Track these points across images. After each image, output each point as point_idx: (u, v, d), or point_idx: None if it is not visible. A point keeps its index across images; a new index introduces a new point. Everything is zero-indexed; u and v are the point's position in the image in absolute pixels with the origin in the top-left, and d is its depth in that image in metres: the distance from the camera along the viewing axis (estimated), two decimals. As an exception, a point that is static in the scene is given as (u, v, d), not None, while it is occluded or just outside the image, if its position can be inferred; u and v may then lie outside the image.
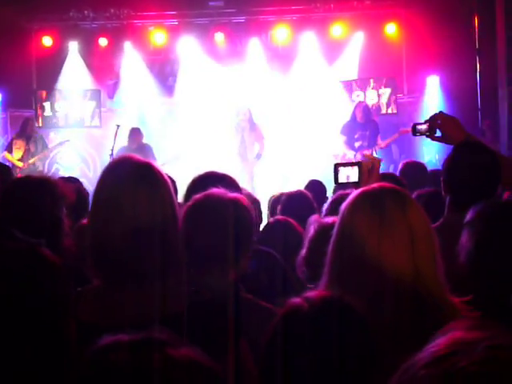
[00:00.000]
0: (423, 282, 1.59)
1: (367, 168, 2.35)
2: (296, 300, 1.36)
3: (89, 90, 10.42)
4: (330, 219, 2.27)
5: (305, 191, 4.34)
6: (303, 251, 2.30)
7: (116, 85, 10.82)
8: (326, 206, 2.93)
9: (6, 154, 9.21)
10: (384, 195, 1.67)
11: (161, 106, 10.62)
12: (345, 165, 2.41)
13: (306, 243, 2.31)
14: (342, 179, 2.38)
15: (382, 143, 8.80)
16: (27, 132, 9.28)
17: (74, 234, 2.55)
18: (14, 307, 1.23)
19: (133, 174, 1.68)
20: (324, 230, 2.18)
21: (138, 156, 1.74)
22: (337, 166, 2.41)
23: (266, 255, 2.62)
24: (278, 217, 3.55)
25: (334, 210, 2.33)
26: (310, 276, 2.16)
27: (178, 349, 0.93)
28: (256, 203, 3.91)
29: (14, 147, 9.21)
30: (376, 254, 1.58)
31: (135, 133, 9.19)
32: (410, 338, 1.48)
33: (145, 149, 8.90)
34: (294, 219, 3.28)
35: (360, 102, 9.25)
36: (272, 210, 4.36)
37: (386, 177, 3.19)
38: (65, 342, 1.29)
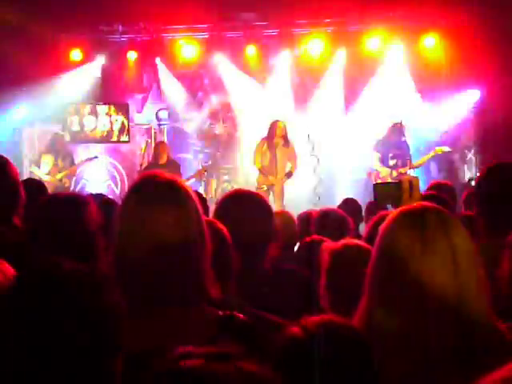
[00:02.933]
0: (466, 303, 1.60)
1: (407, 187, 2.36)
2: (294, 329, 1.41)
3: (117, 105, 10.55)
4: (339, 243, 2.34)
5: (340, 210, 4.31)
6: (322, 281, 2.33)
7: (145, 99, 10.99)
8: (366, 228, 2.93)
9: (33, 167, 9.30)
10: (425, 214, 1.68)
11: (190, 120, 10.79)
12: (384, 184, 2.41)
13: (324, 273, 2.34)
14: (382, 199, 2.38)
15: (416, 162, 8.88)
16: (56, 147, 9.37)
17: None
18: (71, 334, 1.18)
19: (158, 192, 1.67)
20: (337, 255, 2.27)
21: (165, 173, 1.74)
22: (376, 186, 2.41)
23: (294, 274, 2.64)
24: (314, 236, 3.52)
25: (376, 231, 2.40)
26: (334, 303, 2.21)
27: (247, 362, 1.00)
28: (291, 222, 3.97)
29: (41, 162, 9.30)
30: (418, 273, 1.58)
31: (162, 148, 9.23)
32: (452, 358, 1.53)
33: (173, 164, 8.95)
34: (328, 239, 3.23)
35: (396, 123, 9.19)
36: (303, 229, 4.32)
37: (429, 197, 3.22)
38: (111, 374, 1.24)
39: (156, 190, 1.68)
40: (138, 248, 1.62)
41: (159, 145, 9.37)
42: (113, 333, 1.24)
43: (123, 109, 10.48)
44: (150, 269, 1.60)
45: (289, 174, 8.92)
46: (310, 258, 3.03)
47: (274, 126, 8.83)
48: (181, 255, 1.61)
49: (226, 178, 10.16)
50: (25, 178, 5.83)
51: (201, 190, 9.28)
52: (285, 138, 8.83)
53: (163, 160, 9.03)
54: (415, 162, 8.84)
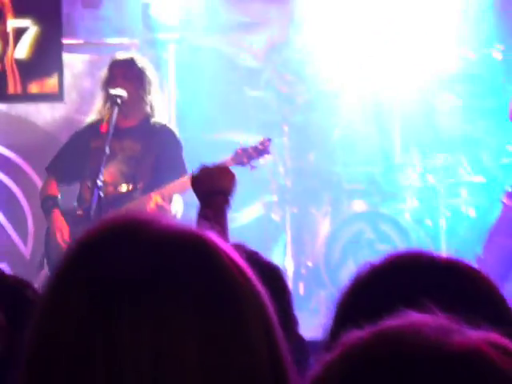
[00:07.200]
0: None
1: None
2: None
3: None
4: None
5: None
6: None
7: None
8: None
9: None
10: None
11: (208, 32, 9.98)
12: None
13: None
14: None
15: None
16: None
17: None
18: None
19: (142, 274, 1.48)
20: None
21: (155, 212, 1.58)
22: None
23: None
24: None
25: None
26: None
27: None
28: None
29: None
30: None
31: (120, 76, 7.86)
32: None
33: (155, 136, 7.87)
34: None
35: None
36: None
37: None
38: None
39: (136, 264, 1.51)
40: None
41: (113, 69, 7.87)
42: None
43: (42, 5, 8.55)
44: None
45: None
46: None
47: None
48: None
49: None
50: None
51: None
52: None
53: (132, 121, 7.88)
54: None
